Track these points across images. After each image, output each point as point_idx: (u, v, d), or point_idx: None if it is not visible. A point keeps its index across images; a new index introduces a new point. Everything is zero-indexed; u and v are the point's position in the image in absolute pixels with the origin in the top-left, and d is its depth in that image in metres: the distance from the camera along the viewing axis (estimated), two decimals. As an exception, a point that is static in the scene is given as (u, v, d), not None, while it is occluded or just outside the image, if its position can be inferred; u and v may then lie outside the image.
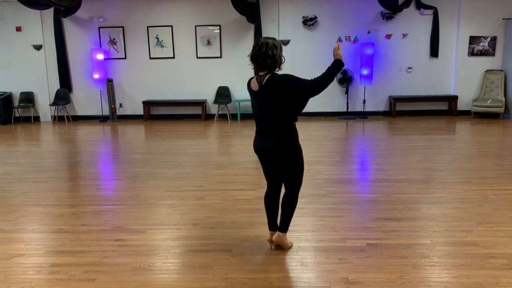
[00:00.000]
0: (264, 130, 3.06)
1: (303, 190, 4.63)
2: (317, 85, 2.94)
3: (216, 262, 3.03)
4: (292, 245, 3.28)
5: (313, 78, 2.99)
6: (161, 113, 10.97)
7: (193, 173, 5.52)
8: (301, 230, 3.58)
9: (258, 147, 3.14)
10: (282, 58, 3.01)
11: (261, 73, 3.00)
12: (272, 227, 3.27)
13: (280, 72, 3.02)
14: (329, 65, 3.05)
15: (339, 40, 10.34)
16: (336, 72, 3.02)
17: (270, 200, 3.25)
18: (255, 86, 3.05)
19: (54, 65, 10.73)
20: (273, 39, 3.03)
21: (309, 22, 10.31)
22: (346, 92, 10.41)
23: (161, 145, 7.72)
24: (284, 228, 3.21)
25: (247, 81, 3.17)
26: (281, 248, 3.23)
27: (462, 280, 2.74)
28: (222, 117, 10.79)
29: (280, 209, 3.23)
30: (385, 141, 7.72)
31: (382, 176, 5.23)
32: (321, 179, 5.09)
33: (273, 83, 2.94)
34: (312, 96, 2.97)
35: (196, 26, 10.53)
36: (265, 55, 2.92)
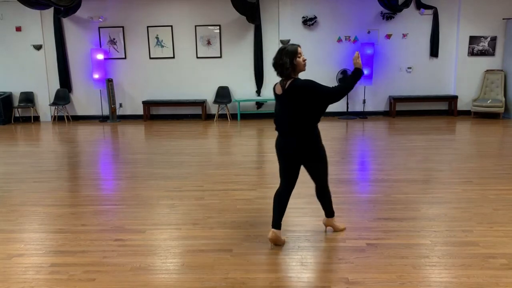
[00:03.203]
0: (286, 132, 3.20)
1: (303, 190, 4.63)
2: (336, 94, 3.09)
3: (216, 262, 3.03)
4: (344, 228, 3.54)
5: (334, 86, 3.14)
6: (161, 113, 10.97)
7: (193, 173, 5.52)
8: (301, 230, 3.58)
9: (280, 147, 3.26)
10: (295, 64, 3.08)
11: (282, 78, 3.17)
12: (276, 225, 3.27)
13: (303, 77, 3.12)
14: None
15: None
16: (356, 80, 3.13)
17: (281, 198, 3.30)
18: (278, 90, 3.21)
19: (54, 65, 10.73)
20: (288, 46, 3.14)
21: (309, 22, 10.31)
22: (346, 92, 10.40)
23: (161, 145, 7.72)
24: (329, 213, 3.51)
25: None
26: (278, 245, 3.25)
27: (462, 280, 2.74)
28: (222, 117, 10.79)
29: (318, 201, 3.50)
30: (385, 141, 7.72)
31: (382, 176, 5.22)
32: (321, 179, 5.08)
33: (295, 89, 3.08)
34: (332, 103, 3.12)
35: (196, 26, 10.53)
36: (279, 63, 3.11)
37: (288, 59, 3.07)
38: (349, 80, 3.13)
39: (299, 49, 3.12)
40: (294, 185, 3.31)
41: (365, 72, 8.60)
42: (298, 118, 3.11)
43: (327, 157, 3.31)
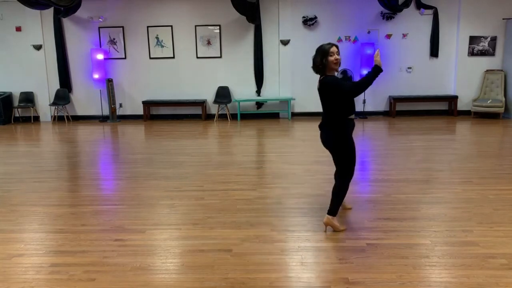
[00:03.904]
0: (321, 124, 3.59)
1: (303, 190, 4.64)
2: (353, 91, 3.29)
3: (216, 262, 3.03)
4: (344, 229, 3.54)
5: (354, 82, 3.33)
6: (161, 113, 10.97)
7: (193, 173, 5.52)
8: (301, 230, 3.58)
9: (320, 138, 3.63)
10: (325, 63, 3.32)
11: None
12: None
13: (336, 74, 3.47)
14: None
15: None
16: (374, 76, 3.26)
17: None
18: (318, 85, 3.51)
19: (54, 65, 10.73)
20: (323, 44, 3.39)
21: (309, 22, 10.31)
22: (346, 92, 10.40)
23: (161, 145, 7.72)
24: (331, 211, 3.56)
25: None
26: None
27: (462, 280, 2.74)
28: (222, 117, 10.79)
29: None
30: (385, 141, 7.72)
31: (382, 176, 5.23)
32: (321, 179, 5.09)
33: (322, 85, 3.42)
34: (351, 98, 3.36)
35: (196, 26, 10.53)
36: (313, 60, 3.42)
37: (319, 57, 3.34)
38: (368, 76, 3.27)
39: (332, 48, 3.33)
40: None
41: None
42: (327, 112, 3.47)
43: (353, 157, 3.49)
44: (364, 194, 4.57)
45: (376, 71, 3.26)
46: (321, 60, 3.33)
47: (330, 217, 3.55)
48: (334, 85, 3.34)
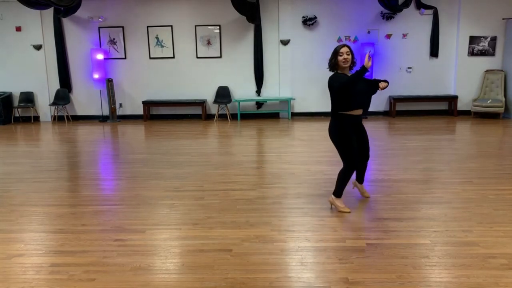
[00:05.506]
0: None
1: (302, 190, 4.64)
2: (340, 88, 3.72)
3: (216, 262, 3.03)
4: (348, 211, 3.90)
5: (344, 80, 3.72)
6: (161, 113, 10.97)
7: (193, 173, 5.52)
8: (301, 230, 3.58)
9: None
10: (335, 61, 3.81)
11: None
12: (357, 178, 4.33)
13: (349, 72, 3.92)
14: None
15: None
16: (358, 75, 3.66)
17: (339, 172, 4.07)
18: None
19: (54, 65, 10.73)
20: (337, 45, 3.89)
21: (309, 22, 10.31)
22: (346, 92, 10.40)
23: (161, 145, 7.71)
24: (334, 192, 4.02)
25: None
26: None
27: (462, 280, 2.74)
28: (222, 117, 10.79)
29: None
30: (385, 141, 7.72)
31: (382, 176, 5.23)
32: (321, 179, 5.09)
33: (328, 82, 3.86)
34: (343, 94, 3.74)
35: (196, 26, 10.53)
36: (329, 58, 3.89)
37: (332, 56, 3.83)
38: (351, 76, 3.72)
39: (342, 49, 3.78)
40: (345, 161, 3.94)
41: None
42: (331, 105, 3.88)
43: (348, 149, 3.84)
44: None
45: (363, 71, 3.63)
46: (332, 58, 3.81)
47: (333, 197, 4.01)
48: (329, 83, 3.82)
